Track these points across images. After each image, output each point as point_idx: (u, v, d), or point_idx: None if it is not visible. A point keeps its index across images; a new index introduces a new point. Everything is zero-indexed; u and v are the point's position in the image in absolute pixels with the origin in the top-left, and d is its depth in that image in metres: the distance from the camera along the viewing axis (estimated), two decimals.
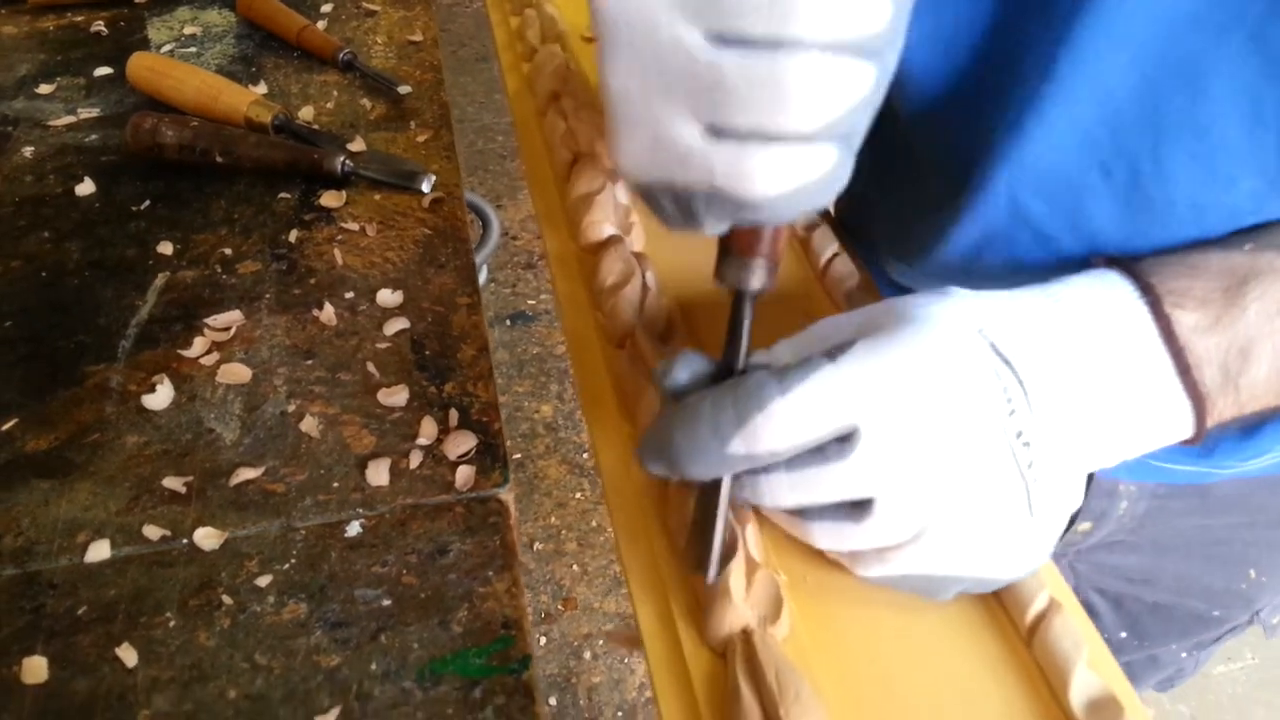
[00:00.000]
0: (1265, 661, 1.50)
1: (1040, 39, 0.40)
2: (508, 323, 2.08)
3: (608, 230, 0.52)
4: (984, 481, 0.33)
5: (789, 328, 0.39)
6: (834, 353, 0.34)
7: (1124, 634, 0.68)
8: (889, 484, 0.33)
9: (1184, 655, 0.72)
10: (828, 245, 0.53)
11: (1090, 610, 0.64)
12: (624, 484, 0.44)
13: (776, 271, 0.35)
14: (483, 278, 1.85)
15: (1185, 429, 0.36)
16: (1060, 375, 0.34)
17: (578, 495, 1.79)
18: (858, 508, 0.35)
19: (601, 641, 1.58)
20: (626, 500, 0.43)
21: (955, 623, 0.37)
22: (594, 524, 1.74)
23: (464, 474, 0.50)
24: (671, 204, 0.32)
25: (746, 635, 0.35)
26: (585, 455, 1.84)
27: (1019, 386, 0.34)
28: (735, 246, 0.34)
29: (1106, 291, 0.37)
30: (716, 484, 0.35)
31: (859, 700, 0.35)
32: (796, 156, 0.29)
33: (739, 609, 0.35)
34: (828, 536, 0.36)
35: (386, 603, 0.44)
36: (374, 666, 0.42)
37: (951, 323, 0.34)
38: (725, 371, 0.36)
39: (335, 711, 0.41)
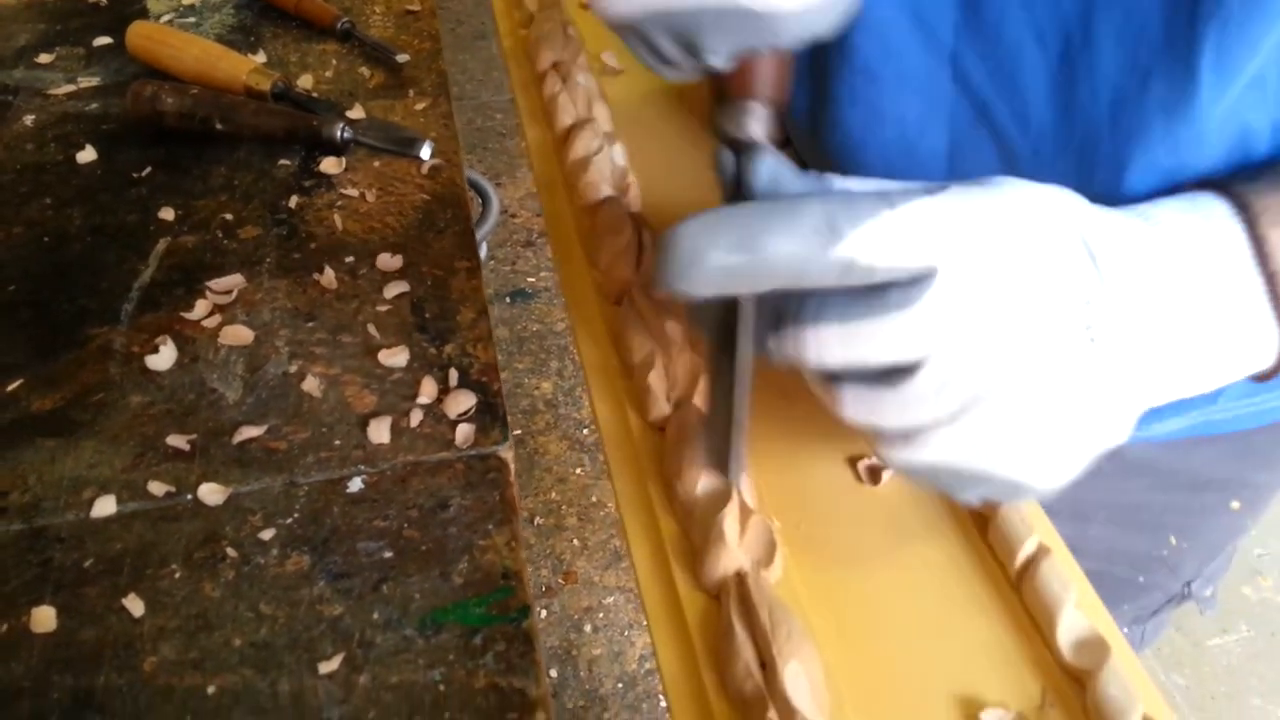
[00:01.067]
0: (1259, 634, 1.52)
1: None
2: (507, 300, 2.09)
3: (605, 191, 0.52)
4: (1043, 366, 0.31)
5: None
6: (931, 189, 0.31)
7: None
8: (945, 344, 0.30)
9: (1125, 630, 0.72)
10: None
11: None
12: (622, 435, 0.44)
13: (779, 122, 0.32)
14: (482, 254, 1.85)
15: (1268, 358, 0.34)
16: (1142, 289, 0.32)
17: (578, 471, 1.80)
18: (901, 373, 0.32)
19: (602, 614, 1.59)
20: (623, 449, 0.43)
21: (945, 567, 0.38)
22: (594, 499, 1.75)
23: (464, 432, 0.50)
24: (668, 36, 0.30)
25: (740, 577, 0.36)
26: (585, 431, 1.85)
27: (1100, 285, 0.31)
28: (734, 87, 0.31)
29: (1199, 209, 0.34)
30: (730, 383, 0.33)
31: (849, 641, 0.36)
32: None
33: (733, 552, 0.36)
34: (861, 405, 0.33)
35: (388, 555, 0.45)
36: (376, 615, 0.43)
37: (1051, 202, 0.32)
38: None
39: (339, 658, 0.41)
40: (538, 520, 1.71)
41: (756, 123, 0.32)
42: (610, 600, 1.61)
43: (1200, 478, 0.62)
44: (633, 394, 0.45)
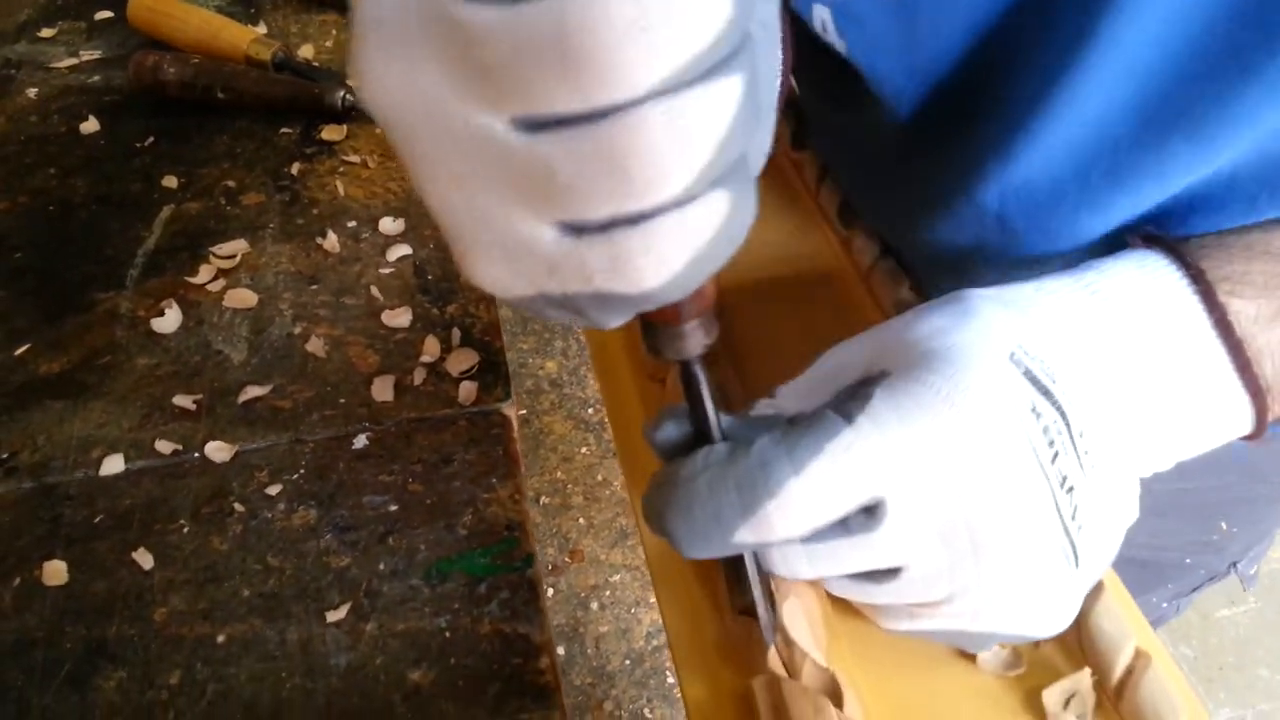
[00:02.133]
0: (1267, 605, 1.52)
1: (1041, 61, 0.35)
2: None
3: None
4: (1024, 543, 0.29)
5: (823, 329, 0.36)
6: (849, 410, 0.29)
7: None
8: (920, 554, 0.30)
9: (1164, 605, 0.72)
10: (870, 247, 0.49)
11: None
12: (627, 408, 0.44)
13: (716, 322, 0.29)
14: None
15: (1244, 426, 0.33)
16: (1106, 389, 0.30)
17: (583, 450, 1.80)
18: (886, 573, 0.31)
19: (609, 592, 1.60)
20: (628, 423, 0.43)
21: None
22: (599, 478, 1.76)
23: (466, 389, 0.51)
24: (560, 312, 0.26)
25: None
26: (590, 410, 1.85)
27: (1061, 420, 0.29)
28: (658, 318, 0.29)
29: (1150, 280, 0.32)
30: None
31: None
32: (679, 224, 0.23)
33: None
34: (850, 592, 0.33)
35: (394, 508, 0.46)
36: (382, 566, 0.44)
37: (980, 357, 0.29)
38: (701, 438, 0.31)
39: (346, 607, 0.42)
40: (544, 499, 1.72)
41: (693, 343, 0.29)
42: (617, 578, 1.62)
43: (1257, 470, 0.61)
44: (637, 366, 0.45)
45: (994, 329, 0.30)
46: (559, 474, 1.77)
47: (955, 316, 0.31)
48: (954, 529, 0.29)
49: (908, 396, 0.29)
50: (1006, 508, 0.29)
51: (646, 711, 1.46)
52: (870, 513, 0.29)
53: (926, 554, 0.30)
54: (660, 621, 1.61)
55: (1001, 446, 0.29)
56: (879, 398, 0.29)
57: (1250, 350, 0.31)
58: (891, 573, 0.31)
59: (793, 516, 0.28)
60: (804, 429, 0.29)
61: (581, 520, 1.71)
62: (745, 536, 0.29)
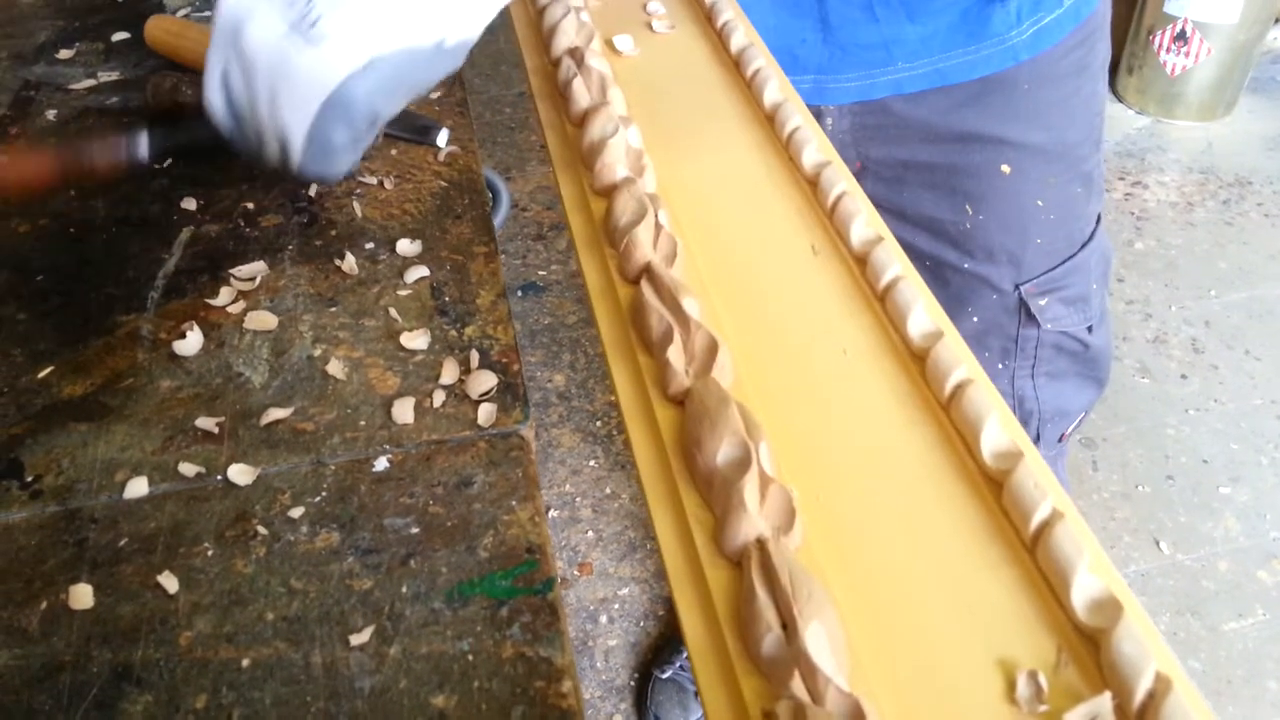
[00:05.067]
0: (1275, 617, 1.52)
1: None
2: (519, 293, 2.10)
3: (621, 172, 0.53)
4: None
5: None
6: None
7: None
8: None
9: (1000, 367, 0.84)
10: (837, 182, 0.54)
11: None
12: (642, 409, 0.45)
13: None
14: None
15: None
16: None
17: (591, 463, 1.81)
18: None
19: (618, 605, 1.60)
20: (644, 424, 0.44)
21: (960, 532, 0.39)
22: (608, 490, 1.76)
23: (486, 411, 0.51)
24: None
25: (761, 544, 0.37)
26: (599, 423, 1.86)
27: None
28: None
29: None
30: None
31: (868, 605, 0.37)
32: None
33: (754, 519, 0.37)
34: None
35: (415, 531, 0.46)
36: (405, 589, 0.44)
37: None
38: None
39: (369, 630, 0.42)
40: (552, 513, 1.73)
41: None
42: (625, 591, 1.62)
43: (958, 132, 0.75)
44: (652, 369, 0.46)
45: None
46: (567, 487, 1.77)
47: None
48: None
49: None
50: None
51: None
52: None
53: None
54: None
55: None
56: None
57: None
58: None
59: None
60: None
61: (590, 533, 1.71)
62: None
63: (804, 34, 0.73)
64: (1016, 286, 0.81)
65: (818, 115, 0.76)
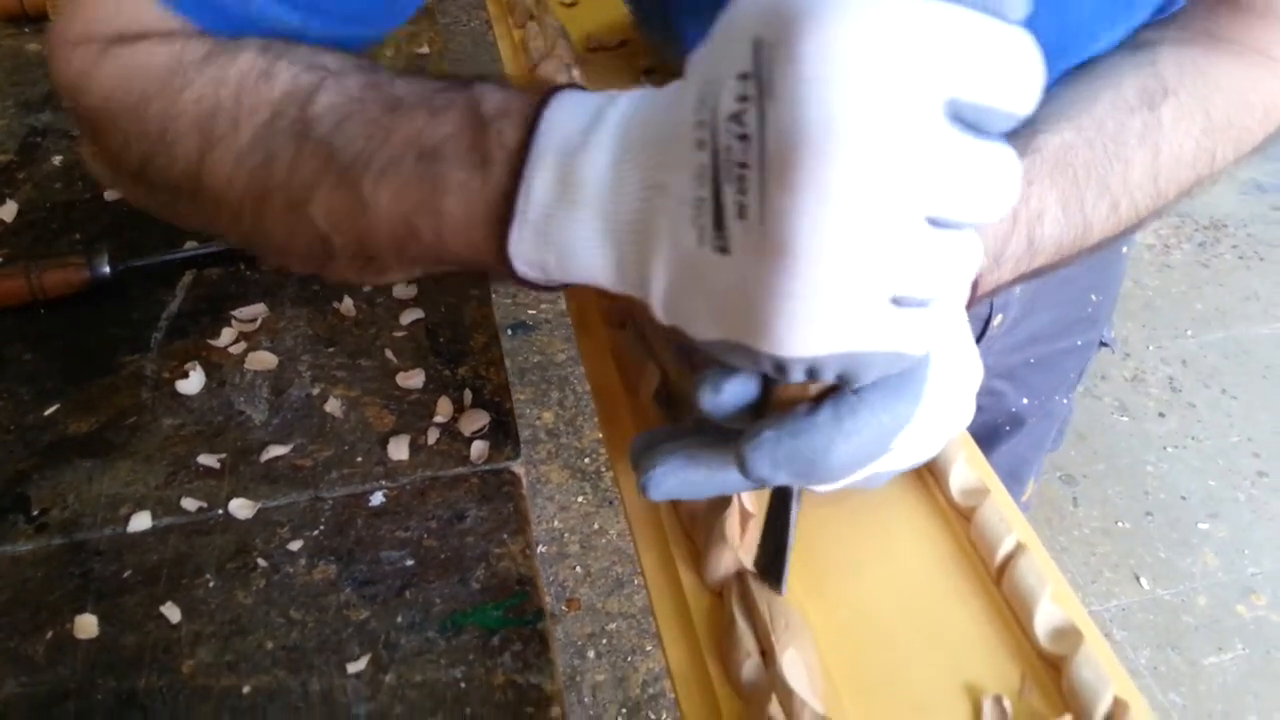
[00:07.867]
0: (1255, 652, 1.54)
1: None
2: (509, 332, 2.12)
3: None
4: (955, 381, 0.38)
5: None
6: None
7: (1025, 400, 0.75)
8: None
9: (1065, 402, 0.82)
10: None
11: (995, 394, 0.74)
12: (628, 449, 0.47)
13: None
14: None
15: None
16: None
17: (579, 499, 1.82)
18: None
19: (605, 640, 1.61)
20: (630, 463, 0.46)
21: (930, 564, 0.41)
22: (596, 526, 1.77)
23: (478, 448, 0.53)
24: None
25: (741, 575, 0.39)
26: (587, 460, 1.87)
27: None
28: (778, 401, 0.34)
29: None
30: (787, 501, 0.37)
31: (843, 634, 0.39)
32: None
33: (734, 552, 0.39)
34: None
35: (410, 563, 0.48)
36: (400, 619, 0.46)
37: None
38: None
39: (365, 659, 0.44)
40: (541, 549, 1.74)
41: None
42: (613, 626, 1.63)
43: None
44: (638, 413, 0.48)
45: None
46: (556, 523, 1.78)
47: None
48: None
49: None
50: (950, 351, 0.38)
51: None
52: None
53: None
54: (655, 670, 1.61)
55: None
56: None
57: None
58: None
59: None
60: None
61: (578, 569, 1.72)
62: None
63: None
64: (1101, 339, 0.81)
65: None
